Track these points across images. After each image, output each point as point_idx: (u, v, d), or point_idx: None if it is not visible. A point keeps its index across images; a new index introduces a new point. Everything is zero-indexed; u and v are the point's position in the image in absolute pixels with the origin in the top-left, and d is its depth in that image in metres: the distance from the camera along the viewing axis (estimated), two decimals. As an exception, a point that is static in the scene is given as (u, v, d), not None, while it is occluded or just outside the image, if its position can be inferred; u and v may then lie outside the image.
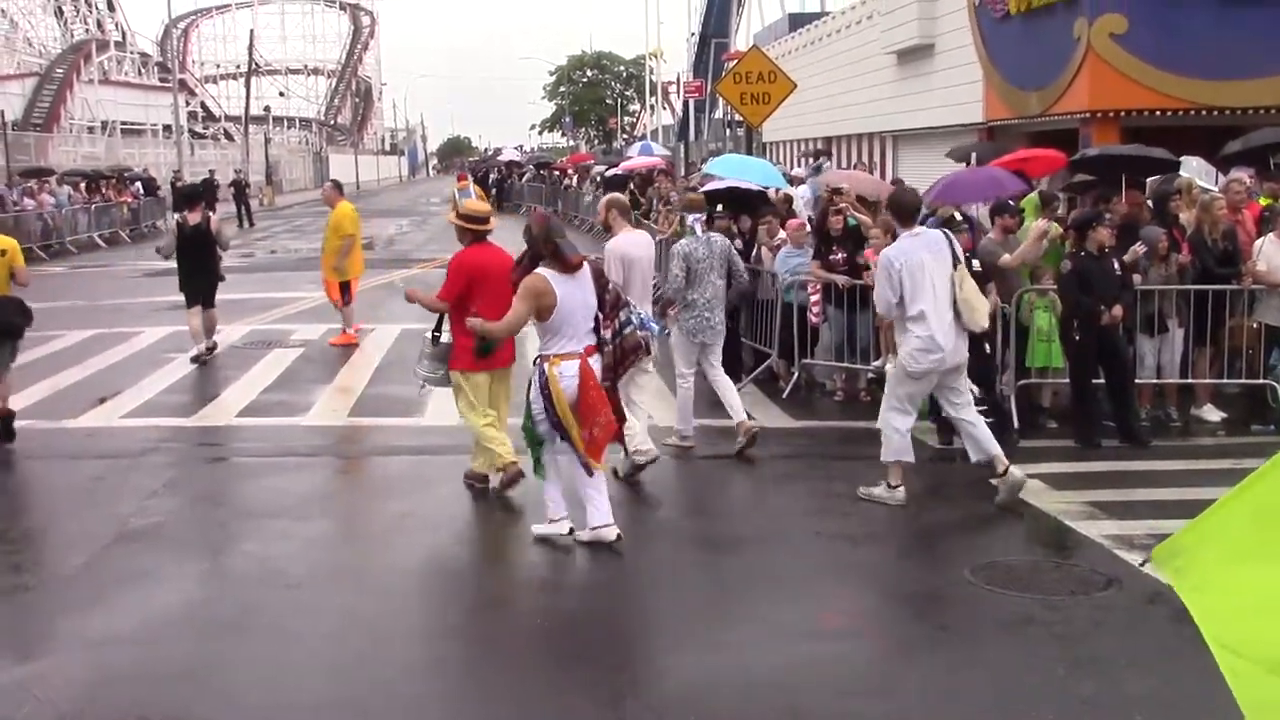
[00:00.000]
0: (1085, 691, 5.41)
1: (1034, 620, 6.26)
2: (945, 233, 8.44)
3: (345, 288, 15.48)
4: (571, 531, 7.46)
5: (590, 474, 7.33)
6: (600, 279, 7.57)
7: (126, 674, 5.71)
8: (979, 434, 8.33)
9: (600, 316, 7.47)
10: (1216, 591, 2.75)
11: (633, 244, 9.03)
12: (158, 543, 7.74)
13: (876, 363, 11.70)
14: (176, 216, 15.45)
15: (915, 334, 8.08)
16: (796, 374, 12.09)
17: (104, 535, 7.79)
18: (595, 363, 7.34)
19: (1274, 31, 18.62)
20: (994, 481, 8.31)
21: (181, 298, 14.36)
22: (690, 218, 10.27)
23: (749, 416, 9.77)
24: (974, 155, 18.74)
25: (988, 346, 9.97)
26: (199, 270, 14.25)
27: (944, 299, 8.09)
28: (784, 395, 11.93)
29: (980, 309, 8.27)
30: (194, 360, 13.97)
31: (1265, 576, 2.62)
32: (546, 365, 7.22)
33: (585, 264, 7.41)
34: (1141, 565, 3.06)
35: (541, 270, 7.25)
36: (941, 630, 6.22)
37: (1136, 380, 10.34)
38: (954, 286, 8.11)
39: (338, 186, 16.42)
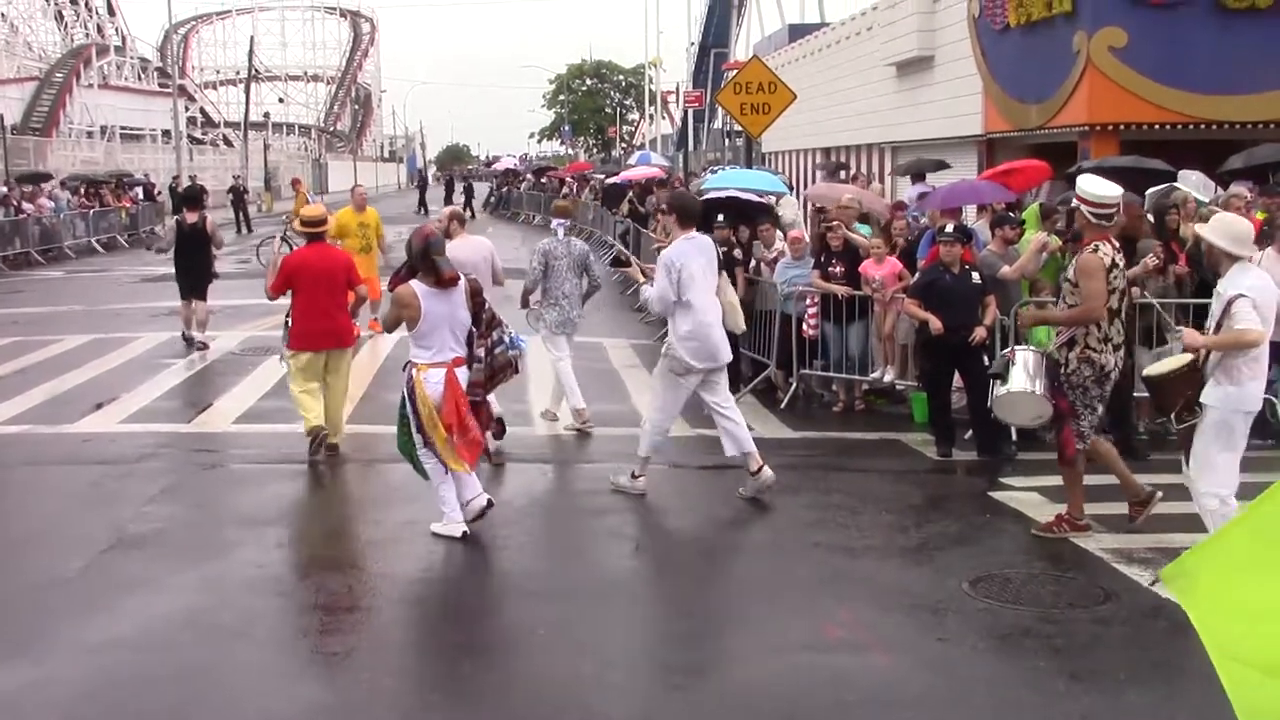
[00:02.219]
0: (1084, 705, 5.41)
1: (1032, 633, 6.26)
2: (713, 240, 9.07)
3: None
4: (464, 535, 7.73)
5: (447, 472, 7.69)
6: (476, 297, 7.93)
7: (125, 679, 5.70)
8: (738, 431, 8.73)
9: (475, 333, 7.87)
10: (1215, 604, 2.88)
11: (467, 248, 10.27)
12: (155, 548, 7.74)
13: (875, 374, 11.72)
14: (177, 216, 16.46)
15: (687, 331, 8.56)
16: (795, 384, 12.10)
17: (101, 540, 7.78)
18: (463, 374, 7.70)
19: (1273, 46, 18.65)
20: (746, 485, 8.69)
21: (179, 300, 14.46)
22: (555, 222, 11.50)
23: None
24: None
25: (985, 358, 9.98)
26: (194, 266, 15.29)
27: (712, 299, 8.70)
28: (782, 406, 11.94)
29: (739, 313, 9.16)
30: (185, 339, 15.37)
31: (1260, 586, 2.75)
32: (414, 371, 7.65)
33: (460, 281, 7.74)
34: (1151, 585, 3.28)
35: (413, 283, 7.64)
36: (939, 643, 6.22)
37: (1135, 394, 10.34)
38: (719, 291, 8.80)
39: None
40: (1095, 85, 19.38)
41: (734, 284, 12.50)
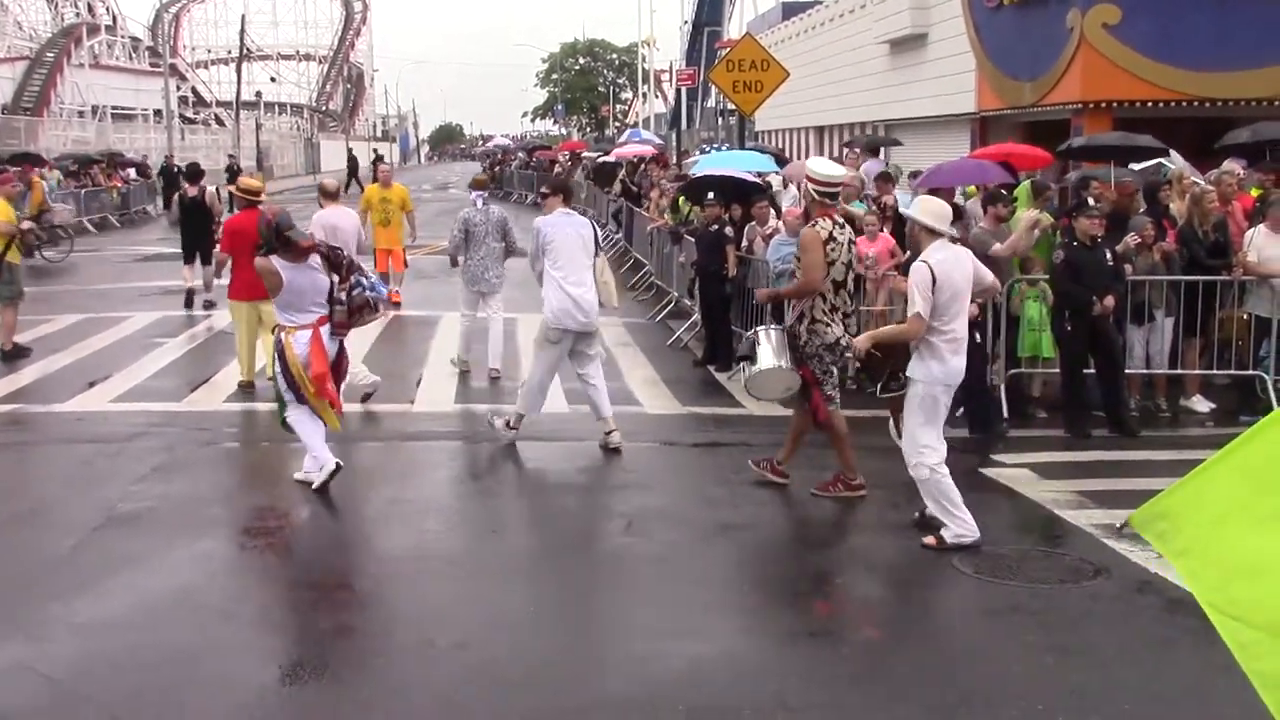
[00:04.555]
0: (1074, 680, 5.42)
1: (1022, 609, 6.28)
2: (592, 223, 9.82)
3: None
4: (338, 467, 8.33)
5: (317, 424, 8.40)
6: (333, 258, 8.54)
7: (116, 658, 5.69)
8: (599, 396, 9.56)
9: (335, 283, 8.48)
10: (1206, 555, 2.72)
11: (336, 215, 12.05)
12: (146, 527, 7.72)
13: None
14: (180, 190, 18.31)
15: (560, 295, 9.29)
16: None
17: (93, 519, 7.77)
18: (327, 331, 8.37)
19: (1266, 23, 18.64)
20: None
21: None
22: (474, 194, 12.94)
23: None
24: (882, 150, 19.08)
25: (978, 336, 9.98)
26: (196, 233, 16.92)
27: (586, 271, 9.43)
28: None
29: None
30: (187, 301, 16.72)
31: (1257, 539, 2.59)
32: (283, 335, 8.30)
33: (315, 250, 8.39)
34: (1120, 529, 3.04)
35: (272, 258, 8.32)
36: (930, 618, 6.24)
37: (1126, 370, 10.36)
38: (594, 271, 9.53)
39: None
40: (1089, 62, 19.37)
41: (724, 261, 12.64)
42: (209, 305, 16.50)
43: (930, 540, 7.21)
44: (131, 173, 38.75)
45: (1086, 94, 19.48)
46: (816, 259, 8.01)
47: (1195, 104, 19.05)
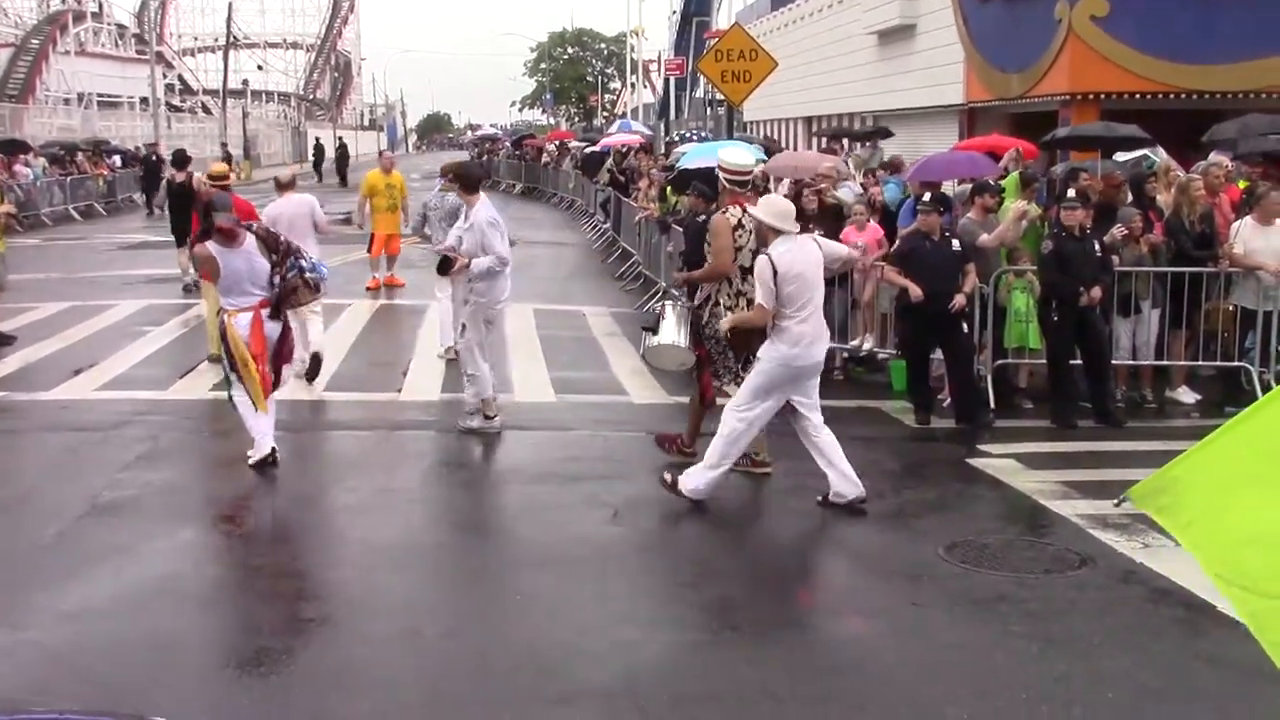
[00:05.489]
0: (1058, 669, 5.44)
1: (1007, 598, 6.29)
2: (496, 220, 9.83)
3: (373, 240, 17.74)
4: (273, 452, 8.60)
5: (257, 408, 8.53)
6: (270, 241, 8.78)
7: (99, 646, 5.68)
8: (483, 376, 9.71)
9: (274, 267, 8.66)
10: (1213, 526, 2.68)
11: (288, 205, 12.35)
12: (131, 515, 7.69)
13: (854, 342, 11.72)
14: (169, 174, 18.80)
15: (495, 283, 9.60)
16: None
17: (77, 507, 7.74)
18: (268, 314, 8.58)
19: (1253, 17, 18.67)
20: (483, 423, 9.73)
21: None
22: (438, 181, 13.25)
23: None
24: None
25: (965, 326, 10.01)
26: (186, 219, 16.36)
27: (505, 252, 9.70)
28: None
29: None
30: (185, 289, 16.71)
31: (1266, 510, 2.56)
32: (225, 317, 8.54)
33: (250, 235, 8.65)
34: (1117, 504, 3.00)
35: (208, 243, 8.59)
36: (915, 607, 6.24)
37: (1112, 361, 10.39)
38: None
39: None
40: (1077, 54, 19.39)
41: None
42: (198, 286, 16.55)
43: (667, 477, 7.89)
44: (117, 160, 38.56)
45: (1074, 86, 19.49)
46: (725, 244, 8.26)
47: (1183, 96, 19.08)
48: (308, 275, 8.81)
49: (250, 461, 8.59)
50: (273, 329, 8.62)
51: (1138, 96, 19.15)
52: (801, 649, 5.71)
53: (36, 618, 6.01)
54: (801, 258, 7.56)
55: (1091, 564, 6.77)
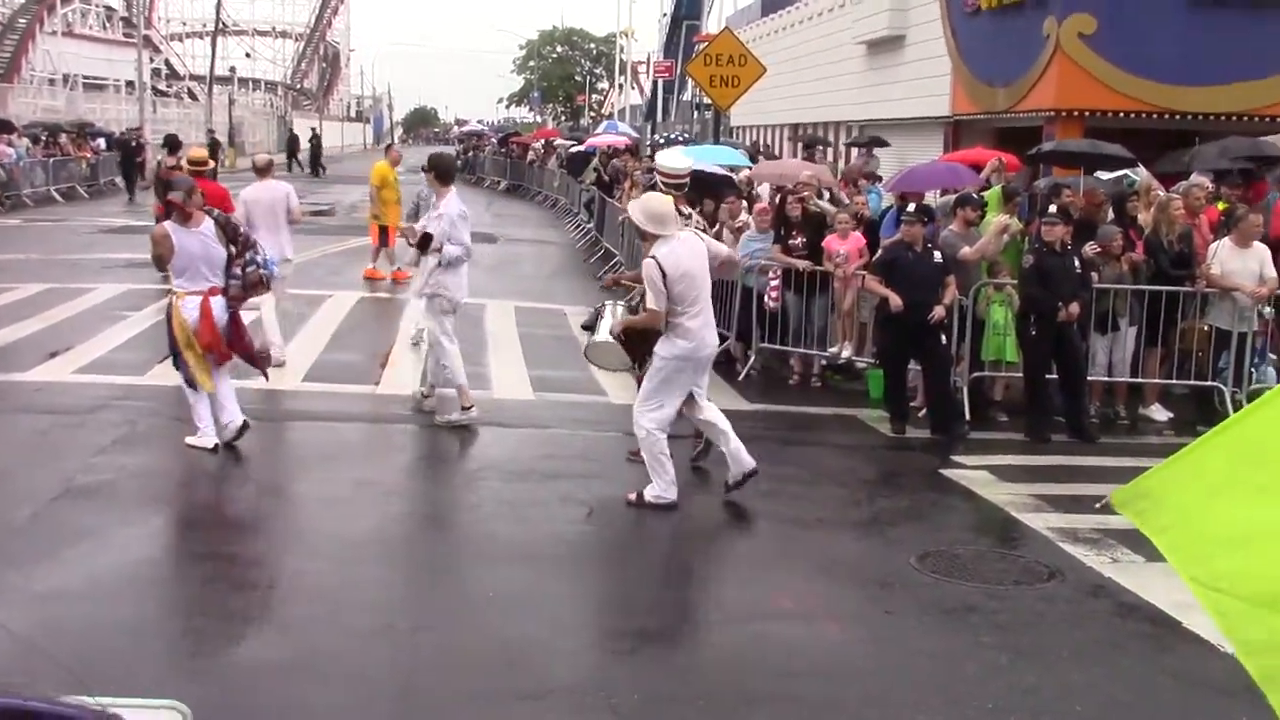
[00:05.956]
0: (1027, 681, 5.48)
1: (977, 609, 6.34)
2: (465, 213, 10.06)
3: (385, 232, 17.71)
4: (215, 449, 8.68)
5: (195, 389, 8.67)
6: (229, 230, 8.83)
7: (72, 628, 5.66)
8: (454, 366, 9.88)
9: (231, 258, 8.72)
10: (1190, 529, 2.71)
11: (263, 189, 12.26)
12: (105, 499, 7.68)
13: (833, 350, 11.77)
14: (160, 158, 19.14)
15: (460, 274, 9.87)
16: (753, 357, 12.14)
17: (51, 490, 7.71)
18: (219, 302, 8.61)
19: (1237, 40, 18.83)
20: (454, 415, 9.78)
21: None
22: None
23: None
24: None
25: (943, 337, 10.07)
26: None
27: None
28: (740, 378, 11.98)
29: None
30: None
31: (1244, 512, 2.59)
32: (173, 299, 8.63)
33: (209, 219, 8.72)
34: (1098, 507, 3.04)
35: (166, 223, 8.73)
36: (886, 616, 6.29)
37: (1088, 377, 10.46)
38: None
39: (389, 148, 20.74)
40: (1063, 71, 19.50)
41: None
42: None
43: (631, 497, 7.84)
44: (101, 143, 38.32)
45: (1060, 102, 19.61)
46: (659, 289, 8.25)
47: (1166, 116, 19.22)
48: (262, 272, 8.92)
49: (187, 440, 8.74)
50: (221, 317, 8.66)
51: (1122, 115, 19.28)
52: (774, 651, 5.74)
53: (8, 600, 5.99)
54: (686, 254, 7.71)
55: (1061, 577, 6.83)
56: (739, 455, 7.97)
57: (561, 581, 6.71)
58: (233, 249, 8.73)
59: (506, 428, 9.94)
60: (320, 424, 10.06)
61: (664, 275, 7.56)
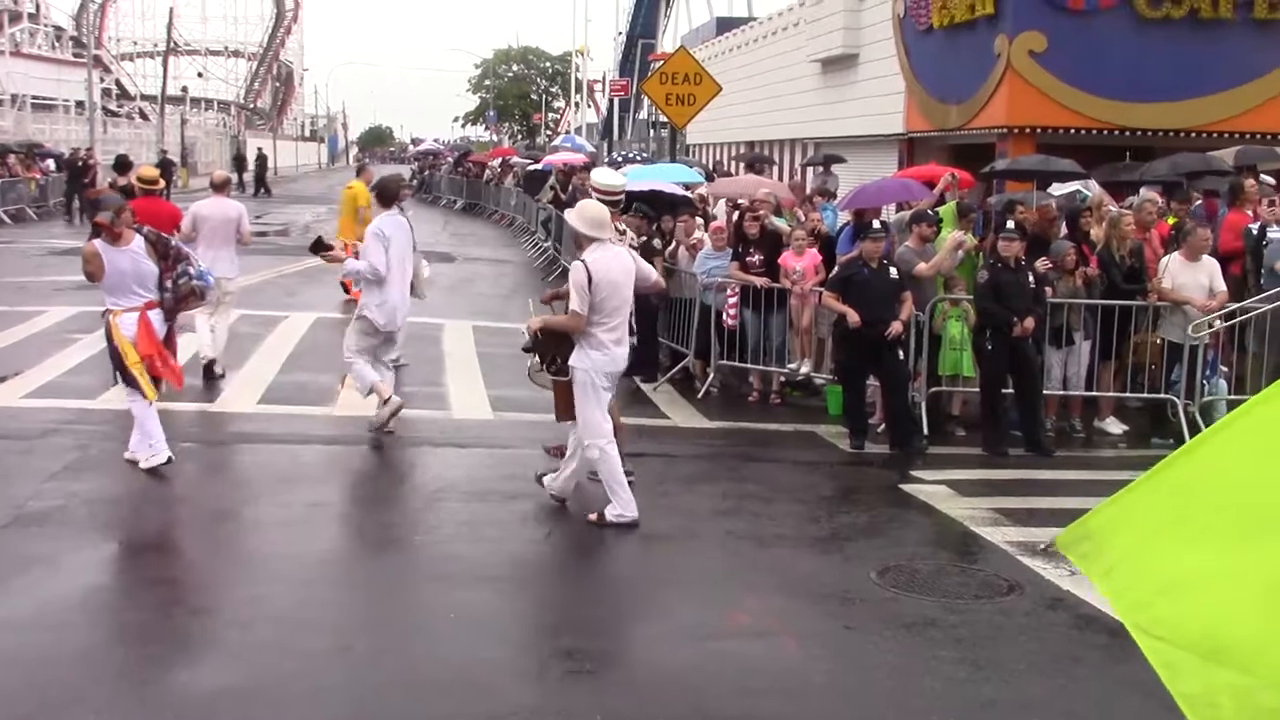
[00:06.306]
0: (985, 694, 5.50)
1: (936, 623, 6.35)
2: (408, 219, 10.40)
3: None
4: (170, 460, 8.69)
5: (147, 401, 8.66)
6: (159, 245, 8.84)
7: (22, 658, 5.57)
8: (386, 375, 10.17)
9: (162, 273, 8.74)
10: (1131, 574, 2.63)
11: (216, 205, 12.30)
12: (56, 526, 7.55)
13: (792, 365, 11.81)
14: (111, 179, 18.97)
15: (382, 298, 9.90)
16: (712, 375, 12.15)
17: (1, 516, 7.58)
18: (156, 315, 8.68)
19: (1184, 58, 19.10)
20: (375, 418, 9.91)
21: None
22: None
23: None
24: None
25: (901, 353, 10.12)
26: None
27: (406, 271, 10.14)
28: (699, 396, 11.99)
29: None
30: None
31: (1184, 556, 2.52)
32: (110, 317, 8.64)
33: (139, 236, 8.72)
34: (1045, 549, 3.03)
35: (95, 241, 8.70)
36: (846, 630, 6.29)
37: (1044, 391, 10.54)
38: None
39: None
40: (1014, 88, 19.70)
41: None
42: None
43: (593, 516, 7.83)
44: (50, 164, 37.90)
45: (1011, 119, 19.81)
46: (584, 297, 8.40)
47: (1115, 133, 19.47)
48: (195, 283, 8.93)
49: (142, 465, 8.66)
50: (160, 329, 8.73)
51: (1073, 131, 19.51)
52: (733, 668, 5.73)
53: (-44, 628, 5.88)
54: (617, 266, 7.76)
55: (1019, 591, 6.86)
56: (568, 486, 8.16)
57: (521, 602, 6.68)
58: (162, 263, 8.75)
59: (466, 448, 9.89)
60: (277, 446, 9.95)
61: (590, 280, 7.58)
